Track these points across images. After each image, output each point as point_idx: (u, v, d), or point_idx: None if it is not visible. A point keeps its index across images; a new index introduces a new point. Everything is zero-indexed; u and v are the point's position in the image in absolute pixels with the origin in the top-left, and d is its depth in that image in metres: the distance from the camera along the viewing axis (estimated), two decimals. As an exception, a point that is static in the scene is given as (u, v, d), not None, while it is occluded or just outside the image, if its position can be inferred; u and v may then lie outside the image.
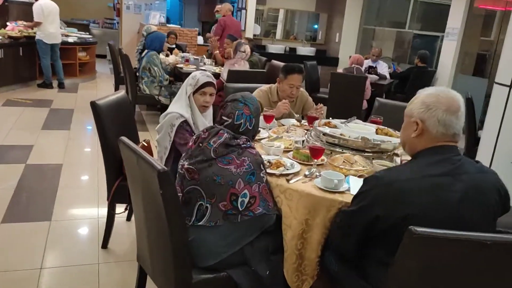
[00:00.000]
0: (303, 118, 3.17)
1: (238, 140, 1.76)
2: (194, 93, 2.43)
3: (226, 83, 4.58)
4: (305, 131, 2.67)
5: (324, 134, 2.27)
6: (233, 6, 7.84)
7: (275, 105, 3.02)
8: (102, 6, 12.34)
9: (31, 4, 6.85)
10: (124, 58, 5.14)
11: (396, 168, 1.70)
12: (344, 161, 2.07)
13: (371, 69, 6.11)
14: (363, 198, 1.53)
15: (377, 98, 3.43)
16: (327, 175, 1.84)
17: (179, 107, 2.42)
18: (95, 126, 2.48)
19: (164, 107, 5.56)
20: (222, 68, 5.40)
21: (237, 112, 1.78)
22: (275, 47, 9.26)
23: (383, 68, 6.43)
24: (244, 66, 4.90)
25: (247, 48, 5.02)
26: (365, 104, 5.49)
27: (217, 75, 5.13)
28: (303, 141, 2.44)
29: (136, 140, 2.79)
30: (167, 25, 8.68)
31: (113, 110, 2.54)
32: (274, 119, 2.72)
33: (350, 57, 8.88)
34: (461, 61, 6.83)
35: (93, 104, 2.41)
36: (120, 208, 2.63)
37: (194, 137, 1.86)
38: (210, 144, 1.75)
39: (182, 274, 1.65)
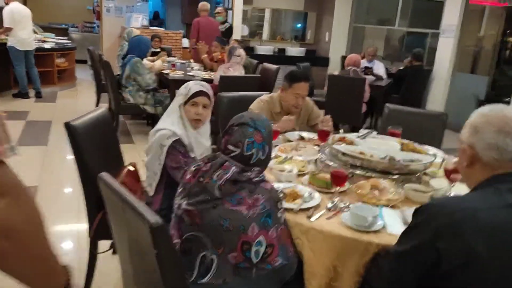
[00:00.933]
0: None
1: (249, 174, 1.41)
2: (185, 104, 2.06)
3: (219, 91, 4.24)
4: (315, 146, 2.34)
5: (344, 154, 1.93)
6: (218, 6, 7.47)
7: (278, 117, 2.68)
8: (81, 9, 11.85)
9: (1, 8, 6.38)
10: (105, 65, 4.74)
11: (457, 196, 1.38)
12: (371, 188, 1.74)
13: (367, 70, 5.81)
14: (418, 233, 1.19)
15: (387, 104, 3.11)
16: (357, 210, 1.51)
17: (170, 122, 2.05)
18: (71, 150, 2.10)
19: (151, 117, 5.21)
20: (212, 73, 5.04)
21: (247, 140, 1.43)
22: (263, 48, 8.93)
23: (380, 68, 6.14)
24: (239, 70, 4.56)
25: (242, 52, 4.66)
26: (363, 107, 5.20)
27: (208, 81, 4.76)
28: (315, 160, 2.11)
29: (119, 164, 2.41)
30: (150, 27, 8.26)
31: (93, 131, 2.17)
32: (279, 134, 2.38)
33: (342, 57, 8.65)
34: (459, 58, 6.59)
35: (68, 126, 2.04)
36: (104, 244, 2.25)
37: (192, 167, 1.50)
38: (214, 179, 1.39)
39: None
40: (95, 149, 2.12)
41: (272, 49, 8.99)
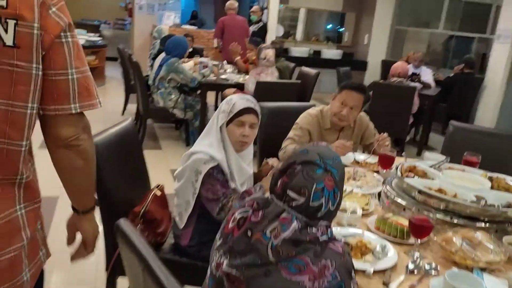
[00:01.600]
0: (363, 151, 2.45)
1: (314, 230, 1.05)
2: (228, 123, 1.71)
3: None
4: (375, 174, 1.96)
5: (420, 192, 1.55)
6: (254, 5, 7.10)
7: (328, 134, 2.31)
8: (113, 6, 11.74)
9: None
10: (135, 66, 4.46)
11: None
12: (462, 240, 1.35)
13: (414, 77, 5.34)
14: None
15: (452, 121, 2.68)
16: (453, 279, 1.12)
17: (208, 145, 1.70)
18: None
19: (180, 121, 4.91)
20: (247, 76, 4.69)
21: (314, 187, 1.04)
22: (298, 50, 8.53)
23: (427, 75, 5.66)
24: (272, 75, 4.19)
25: (267, 53, 4.23)
26: (410, 119, 4.76)
27: (241, 86, 4.43)
28: (379, 194, 1.73)
29: (145, 186, 2.09)
30: (182, 26, 8.00)
31: (115, 149, 1.85)
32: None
33: (383, 62, 8.18)
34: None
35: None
36: (123, 281, 1.94)
37: (236, 214, 1.14)
38: (267, 236, 1.03)
39: None
40: (117, 171, 1.81)
41: (307, 51, 8.58)
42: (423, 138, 5.05)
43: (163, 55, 4.73)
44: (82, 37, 7.52)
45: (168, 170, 4.00)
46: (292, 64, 5.29)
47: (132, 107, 5.76)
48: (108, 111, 5.92)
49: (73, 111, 0.99)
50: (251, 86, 4.10)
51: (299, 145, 2.26)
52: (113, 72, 9.05)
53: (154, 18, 9.64)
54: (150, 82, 4.90)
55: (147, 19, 9.74)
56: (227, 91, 4.40)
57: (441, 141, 3.45)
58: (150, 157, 4.43)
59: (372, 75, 8.64)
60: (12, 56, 0.85)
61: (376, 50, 8.56)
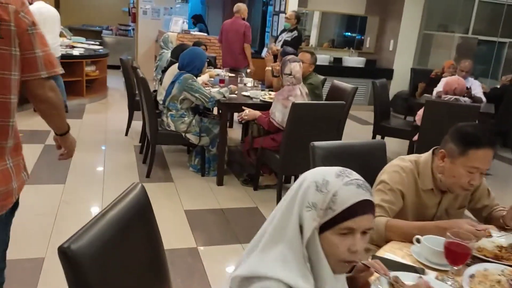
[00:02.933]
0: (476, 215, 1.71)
1: None
2: (323, 228, 0.95)
3: (288, 131, 3.16)
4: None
5: None
6: (267, 9, 6.32)
7: (428, 196, 1.58)
8: (116, 11, 11.05)
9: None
10: (142, 82, 3.73)
11: None
12: None
13: (465, 91, 4.58)
14: None
15: None
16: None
17: (280, 263, 0.92)
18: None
19: (194, 145, 4.18)
20: (273, 93, 3.95)
21: None
22: (318, 58, 7.77)
23: (477, 88, 4.91)
24: (302, 95, 3.42)
25: (294, 67, 3.39)
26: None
27: (268, 105, 3.69)
28: None
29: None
30: (192, 32, 7.28)
31: (112, 256, 1.11)
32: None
33: (413, 70, 7.42)
34: None
35: (64, 254, 0.98)
36: None
37: None
38: None
39: None
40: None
41: (327, 58, 7.84)
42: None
43: (173, 69, 4.01)
44: (81, 45, 6.81)
45: (182, 211, 3.26)
46: (321, 77, 4.55)
47: (137, 126, 5.04)
48: (111, 130, 5.19)
49: (42, 76, 1.45)
50: (278, 116, 3.35)
51: (392, 215, 1.54)
52: (116, 82, 8.35)
53: (159, 24, 8.95)
54: (158, 98, 4.19)
55: (152, 24, 9.05)
56: (242, 114, 3.64)
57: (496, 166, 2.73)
58: (160, 192, 3.70)
59: (398, 84, 7.91)
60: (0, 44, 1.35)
61: (403, 57, 7.82)
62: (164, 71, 4.33)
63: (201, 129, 3.79)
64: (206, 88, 3.94)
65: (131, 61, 4.70)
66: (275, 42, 6.17)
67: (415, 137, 4.14)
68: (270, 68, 4.33)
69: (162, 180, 3.83)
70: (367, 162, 2.05)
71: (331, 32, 8.69)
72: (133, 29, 10.23)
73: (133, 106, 4.96)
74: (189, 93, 3.62)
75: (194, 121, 3.78)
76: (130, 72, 4.88)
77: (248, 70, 6.32)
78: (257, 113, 3.56)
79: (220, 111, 3.71)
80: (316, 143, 1.97)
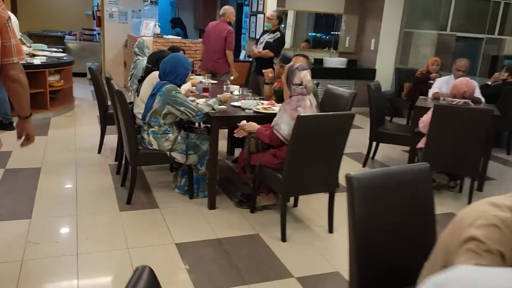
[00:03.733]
0: None
1: None
2: None
3: (292, 145, 2.78)
4: None
5: None
6: (242, 10, 5.92)
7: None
8: (79, 15, 10.37)
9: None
10: (117, 97, 3.24)
11: None
12: None
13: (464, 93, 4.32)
14: None
15: None
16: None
17: None
18: None
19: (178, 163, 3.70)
20: (274, 107, 3.54)
21: None
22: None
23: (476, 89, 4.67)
24: (312, 106, 3.04)
25: (305, 76, 3.00)
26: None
27: (265, 117, 3.30)
28: None
29: None
30: (164, 36, 6.78)
31: None
32: None
33: (398, 70, 7.18)
34: None
35: None
36: None
37: None
38: None
39: None
40: None
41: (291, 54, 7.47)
42: (484, 169, 4.03)
43: (152, 77, 3.56)
44: (43, 53, 6.20)
45: (173, 245, 2.82)
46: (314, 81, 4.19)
47: (110, 141, 4.55)
48: (81, 148, 4.65)
49: (15, 61, 1.86)
50: (284, 128, 2.94)
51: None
52: (83, 91, 7.74)
53: (127, 27, 8.40)
54: (135, 111, 3.72)
55: (120, 28, 8.48)
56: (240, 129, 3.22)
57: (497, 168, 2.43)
58: (145, 221, 3.13)
59: (381, 84, 7.64)
60: None
61: (385, 56, 7.60)
62: (141, 80, 3.87)
63: (187, 146, 3.35)
64: (190, 98, 3.50)
65: (102, 69, 4.18)
66: (256, 44, 5.78)
67: (420, 145, 3.84)
68: (269, 83, 3.95)
69: (146, 206, 3.36)
70: (413, 193, 1.69)
71: (304, 32, 8.35)
72: (98, 34, 9.62)
73: (105, 120, 4.45)
74: (173, 107, 3.17)
75: (179, 137, 3.34)
76: (101, 82, 4.38)
77: (232, 77, 5.91)
78: (256, 125, 3.15)
79: (209, 126, 3.27)
80: (353, 174, 1.58)
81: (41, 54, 6.08)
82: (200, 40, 6.92)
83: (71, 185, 3.68)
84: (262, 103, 3.65)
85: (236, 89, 4.24)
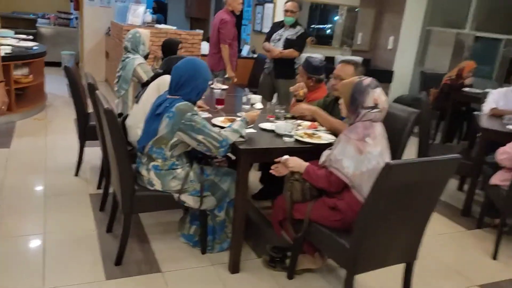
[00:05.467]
0: None
1: None
2: None
3: (371, 203, 1.88)
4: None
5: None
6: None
7: None
8: (53, -4, 9.16)
9: None
10: (107, 117, 2.24)
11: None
12: None
13: None
14: None
15: None
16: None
17: None
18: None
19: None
20: (318, 132, 2.63)
21: None
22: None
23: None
24: (383, 137, 2.15)
25: (379, 96, 2.12)
26: None
27: (308, 148, 2.39)
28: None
29: None
30: (157, 26, 5.74)
31: None
32: None
33: (423, 74, 6.32)
34: None
35: None
36: None
37: None
38: None
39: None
40: None
41: (320, 59, 6.55)
42: None
43: (162, 83, 2.63)
44: (8, 42, 5.11)
45: None
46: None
47: (90, 157, 3.59)
48: (53, 168, 3.64)
49: None
50: (348, 166, 2.03)
51: None
52: (56, 86, 6.61)
53: (110, 13, 7.31)
54: (129, 124, 2.78)
55: (101, 13, 7.39)
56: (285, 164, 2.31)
57: None
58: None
59: (397, 89, 6.85)
60: None
61: (404, 57, 6.76)
62: (145, 84, 2.92)
63: (202, 186, 2.41)
64: (202, 113, 2.56)
65: (79, 59, 3.16)
66: (267, 41, 4.83)
67: (495, 181, 3.00)
68: (301, 99, 3.00)
69: (143, 270, 2.41)
70: None
71: (304, 24, 7.39)
72: (76, 18, 8.47)
73: (85, 135, 3.46)
74: (187, 135, 2.23)
75: (191, 174, 2.39)
76: (81, 86, 3.38)
77: (226, 76, 4.98)
78: (303, 163, 2.24)
79: (240, 157, 2.32)
80: None
81: (6, 43, 4.98)
82: (198, 31, 5.92)
83: (37, 232, 2.69)
84: (300, 125, 2.73)
85: (257, 100, 3.31)
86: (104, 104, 2.19)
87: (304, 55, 6.19)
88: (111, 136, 2.23)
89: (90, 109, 3.23)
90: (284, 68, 4.64)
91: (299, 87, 3.01)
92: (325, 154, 2.30)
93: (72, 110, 3.58)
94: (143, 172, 2.37)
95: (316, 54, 6.64)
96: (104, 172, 3.04)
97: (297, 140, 2.45)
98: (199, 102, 2.86)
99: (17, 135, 4.39)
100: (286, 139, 2.44)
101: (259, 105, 3.24)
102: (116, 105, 3.52)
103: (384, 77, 6.78)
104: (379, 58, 7.06)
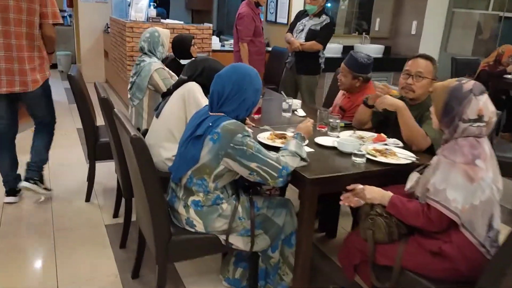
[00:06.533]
0: None
1: None
2: None
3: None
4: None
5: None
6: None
7: None
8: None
9: None
10: (137, 147, 1.72)
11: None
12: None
13: None
14: None
15: None
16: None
17: None
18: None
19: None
20: (390, 143, 2.14)
21: None
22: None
23: None
24: (492, 157, 1.66)
25: (485, 105, 1.64)
26: None
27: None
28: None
29: None
30: (162, 21, 5.19)
31: None
32: None
33: (455, 60, 5.78)
34: None
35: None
36: None
37: None
38: None
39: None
40: None
41: (338, 48, 6.04)
42: None
43: (188, 92, 2.14)
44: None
45: None
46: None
47: (102, 176, 3.12)
48: (59, 193, 3.11)
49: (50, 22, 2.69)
50: (455, 199, 1.55)
51: None
52: (52, 90, 6.03)
53: (107, 8, 6.75)
54: (149, 140, 2.26)
55: (97, 9, 6.83)
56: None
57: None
58: None
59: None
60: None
61: (429, 42, 6.24)
62: (166, 94, 2.41)
63: (253, 223, 1.92)
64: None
65: (76, 60, 2.63)
66: (290, 31, 4.31)
67: None
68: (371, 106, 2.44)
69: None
70: None
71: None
72: (70, 16, 7.90)
73: (95, 154, 2.96)
74: (238, 162, 1.73)
75: (240, 208, 1.90)
76: (88, 98, 2.88)
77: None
78: (386, 193, 1.75)
79: (310, 188, 1.82)
80: None
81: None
82: (207, 25, 5.38)
83: (49, 286, 2.20)
84: (363, 138, 2.23)
85: (298, 106, 2.80)
86: (130, 129, 1.68)
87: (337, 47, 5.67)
88: (140, 170, 1.72)
89: (99, 121, 2.73)
90: (307, 62, 4.15)
91: (385, 89, 2.37)
92: (413, 178, 1.81)
93: (74, 118, 3.11)
94: (180, 209, 1.87)
95: (337, 45, 6.11)
96: (123, 195, 2.53)
97: (369, 160, 1.95)
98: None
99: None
100: (357, 159, 1.94)
101: (301, 112, 2.74)
102: (129, 116, 3.01)
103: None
104: (401, 45, 6.53)
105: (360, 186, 1.78)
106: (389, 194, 1.74)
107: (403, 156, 2.00)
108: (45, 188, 3.01)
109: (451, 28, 6.78)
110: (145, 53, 2.93)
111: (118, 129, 1.98)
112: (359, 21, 6.74)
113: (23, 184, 2.90)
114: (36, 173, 2.95)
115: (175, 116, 2.36)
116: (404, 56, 6.36)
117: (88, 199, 3.04)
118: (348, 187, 1.81)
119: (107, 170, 3.35)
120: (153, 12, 4.99)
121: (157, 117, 2.45)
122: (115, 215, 2.83)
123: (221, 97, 1.79)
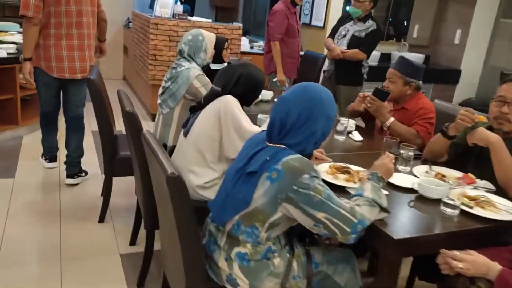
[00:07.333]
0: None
1: None
2: None
3: None
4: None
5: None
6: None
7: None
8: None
9: None
10: (171, 182, 1.30)
11: None
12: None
13: None
14: None
15: None
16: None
17: None
18: None
19: None
20: (479, 186, 1.72)
21: None
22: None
23: None
24: None
25: None
26: None
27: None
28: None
29: None
30: (189, 18, 4.79)
31: None
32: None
33: (504, 74, 5.31)
34: None
35: None
36: None
37: None
38: None
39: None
40: None
41: (376, 55, 5.60)
42: None
43: (222, 107, 1.82)
44: (12, 38, 4.24)
45: None
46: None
47: (118, 192, 2.74)
48: (69, 210, 2.72)
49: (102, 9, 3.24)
50: None
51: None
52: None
53: (130, 1, 6.39)
54: (175, 161, 1.87)
55: (119, 2, 6.46)
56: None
57: None
58: None
59: (465, 91, 5.88)
60: None
61: (474, 53, 5.77)
62: (196, 108, 2.02)
63: (310, 283, 1.51)
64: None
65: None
66: (331, 37, 3.90)
67: None
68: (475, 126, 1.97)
69: None
70: None
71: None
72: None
73: (113, 170, 2.57)
74: (301, 210, 1.33)
75: (294, 264, 1.49)
76: (108, 103, 2.50)
77: (275, 79, 4.10)
78: (490, 262, 1.34)
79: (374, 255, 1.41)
80: None
81: (9, 40, 4.09)
82: (237, 24, 4.98)
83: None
84: (444, 177, 1.81)
85: (352, 128, 2.38)
86: (167, 167, 1.28)
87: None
88: (176, 216, 1.32)
89: (117, 128, 2.35)
90: (348, 72, 3.75)
91: (470, 115, 1.90)
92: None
93: (89, 118, 2.79)
94: (221, 263, 1.47)
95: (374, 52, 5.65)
96: (145, 226, 2.13)
97: (462, 212, 1.53)
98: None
99: (23, 157, 3.52)
100: (447, 210, 1.52)
101: (357, 135, 2.32)
102: (155, 124, 2.63)
103: (449, 77, 5.83)
104: (442, 55, 6.07)
105: (455, 252, 1.36)
106: (497, 266, 1.32)
107: (505, 208, 1.57)
108: (85, 174, 3.21)
109: (495, 39, 6.30)
110: (184, 57, 2.54)
111: (147, 158, 1.59)
112: (393, 27, 6.27)
113: (68, 181, 3.08)
114: (77, 169, 3.12)
115: (207, 134, 1.97)
116: (446, 67, 5.90)
117: (102, 219, 2.65)
118: (448, 254, 1.39)
119: (125, 187, 2.96)
120: (179, 8, 4.60)
121: (185, 135, 2.06)
122: (132, 242, 2.45)
123: (284, 126, 1.38)
